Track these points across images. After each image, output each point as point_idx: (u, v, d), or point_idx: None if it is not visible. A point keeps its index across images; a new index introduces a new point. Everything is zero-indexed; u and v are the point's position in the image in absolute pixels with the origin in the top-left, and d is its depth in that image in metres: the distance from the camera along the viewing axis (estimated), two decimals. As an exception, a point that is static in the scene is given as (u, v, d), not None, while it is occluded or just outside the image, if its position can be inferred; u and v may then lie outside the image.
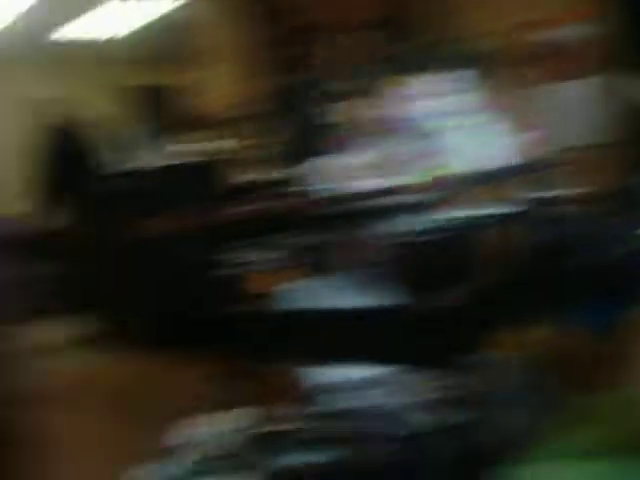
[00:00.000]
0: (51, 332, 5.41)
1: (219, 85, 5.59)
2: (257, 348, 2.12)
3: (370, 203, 2.39)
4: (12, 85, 7.20)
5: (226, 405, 2.19)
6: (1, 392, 3.20)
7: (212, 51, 5.72)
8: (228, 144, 4.57)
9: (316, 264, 2.65)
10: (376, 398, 1.85)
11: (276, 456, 1.86)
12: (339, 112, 3.33)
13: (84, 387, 3.97)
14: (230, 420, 2.18)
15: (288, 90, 4.33)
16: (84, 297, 4.77)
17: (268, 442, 2.15)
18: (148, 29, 6.39)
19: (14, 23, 5.94)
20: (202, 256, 2.54)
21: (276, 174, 3.26)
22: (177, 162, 4.29)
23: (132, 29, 6.51)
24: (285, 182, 2.97)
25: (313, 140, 3.02)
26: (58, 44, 6.72)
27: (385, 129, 2.79)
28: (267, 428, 2.25)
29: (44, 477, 2.69)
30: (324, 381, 2.16)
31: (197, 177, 3.90)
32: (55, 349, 5.00)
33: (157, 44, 6.45)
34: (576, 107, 3.18)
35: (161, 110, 6.81)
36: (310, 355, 1.99)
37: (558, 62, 3.31)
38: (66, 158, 4.94)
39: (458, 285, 1.79)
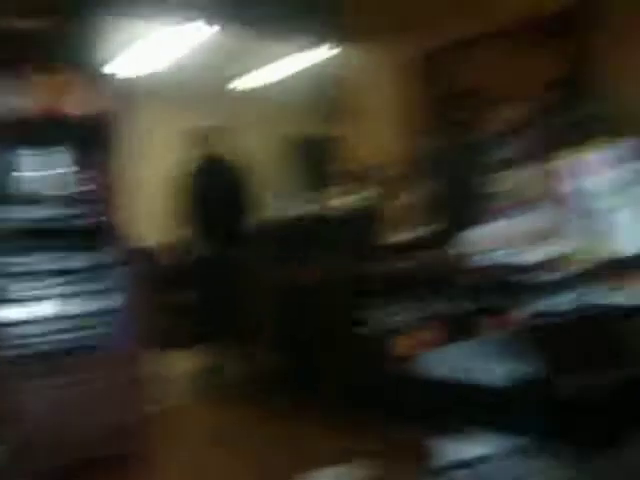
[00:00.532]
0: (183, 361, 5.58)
1: (375, 140, 5.65)
2: (392, 410, 2.07)
3: (524, 275, 2.29)
4: (174, 119, 7.64)
5: (348, 459, 2.15)
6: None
7: (370, 104, 5.80)
8: (380, 200, 4.59)
9: (460, 331, 2.58)
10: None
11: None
12: (499, 180, 3.23)
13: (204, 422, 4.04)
14: (347, 475, 2.14)
15: (446, 153, 4.28)
16: (217, 329, 4.85)
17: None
18: (305, 76, 6.59)
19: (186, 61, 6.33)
20: (346, 311, 2.53)
21: (427, 235, 3.22)
22: (328, 214, 4.37)
23: (291, 74, 6.74)
24: (436, 244, 2.91)
25: (469, 206, 2.94)
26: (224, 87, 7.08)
27: (547, 200, 2.68)
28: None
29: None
30: (456, 456, 2.07)
31: (346, 230, 3.93)
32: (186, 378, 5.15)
33: (315, 92, 6.62)
34: None
35: (316, 160, 6.98)
36: (444, 425, 1.93)
37: None
38: (220, 193, 5.07)
39: (601, 371, 1.68)
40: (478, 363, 2.28)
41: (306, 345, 3.26)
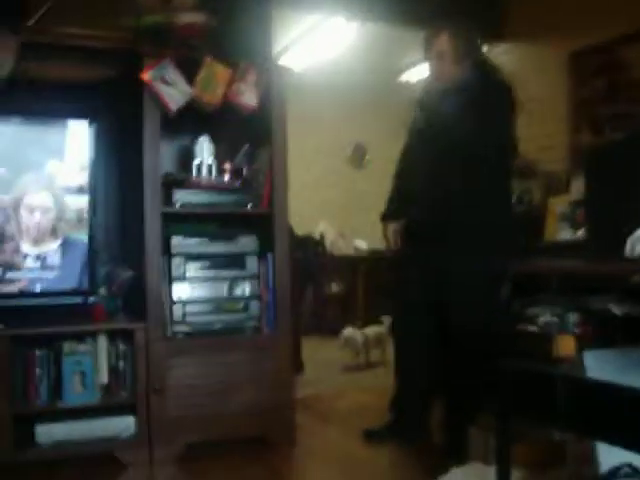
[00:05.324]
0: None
1: (536, 135, 5.48)
2: (543, 411, 2.01)
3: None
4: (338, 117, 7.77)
5: (493, 459, 2.11)
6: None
7: (530, 100, 5.64)
8: (544, 196, 4.46)
9: (624, 336, 2.47)
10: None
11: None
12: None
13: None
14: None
15: (610, 149, 4.05)
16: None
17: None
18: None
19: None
20: (507, 306, 2.46)
21: (592, 235, 3.09)
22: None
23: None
24: (602, 245, 2.79)
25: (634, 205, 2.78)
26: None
27: None
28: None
29: None
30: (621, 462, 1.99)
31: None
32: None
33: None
34: None
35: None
36: (601, 433, 1.85)
37: None
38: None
39: None
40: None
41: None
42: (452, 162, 3.20)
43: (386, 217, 3.60)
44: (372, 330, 5.46)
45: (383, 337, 5.40)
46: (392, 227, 3.53)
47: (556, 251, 3.72)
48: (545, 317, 2.72)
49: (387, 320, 5.41)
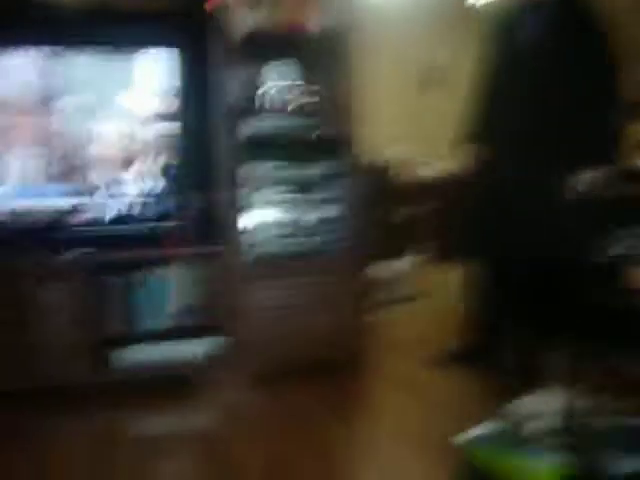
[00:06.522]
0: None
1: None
2: (621, 342, 2.01)
3: None
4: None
5: (572, 386, 2.11)
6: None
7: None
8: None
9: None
10: None
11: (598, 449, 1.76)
12: None
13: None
14: (570, 400, 2.11)
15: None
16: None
17: (597, 433, 2.05)
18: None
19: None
20: (586, 238, 2.37)
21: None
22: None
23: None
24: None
25: None
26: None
27: None
28: (603, 419, 2.15)
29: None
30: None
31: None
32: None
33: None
34: None
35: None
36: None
37: None
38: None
39: None
40: None
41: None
42: (544, 88, 3.07)
43: (462, 140, 3.46)
44: (398, 265, 5.59)
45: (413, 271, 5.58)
46: (468, 150, 3.42)
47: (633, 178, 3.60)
48: (619, 249, 2.67)
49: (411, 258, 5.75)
